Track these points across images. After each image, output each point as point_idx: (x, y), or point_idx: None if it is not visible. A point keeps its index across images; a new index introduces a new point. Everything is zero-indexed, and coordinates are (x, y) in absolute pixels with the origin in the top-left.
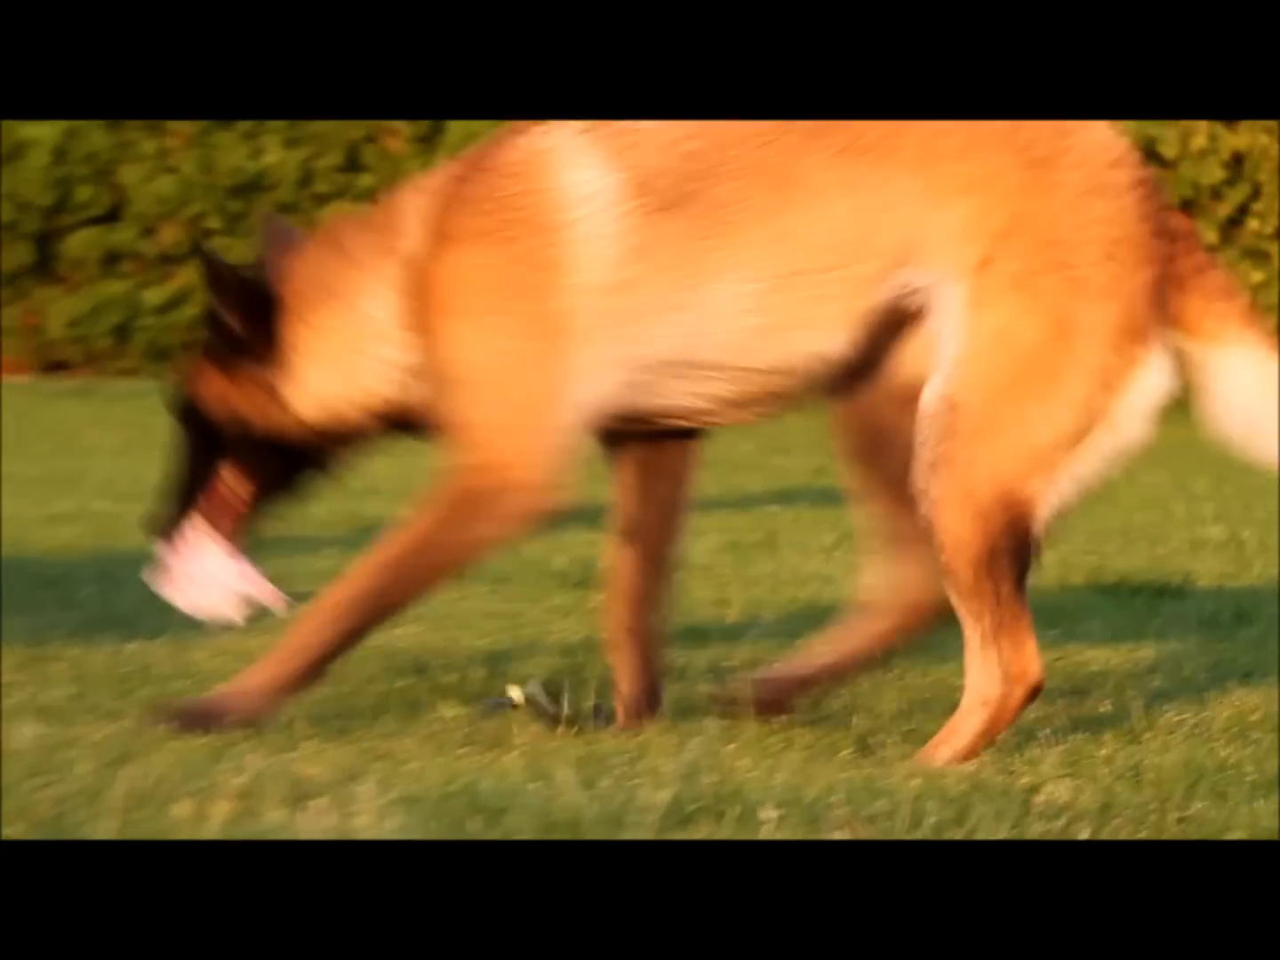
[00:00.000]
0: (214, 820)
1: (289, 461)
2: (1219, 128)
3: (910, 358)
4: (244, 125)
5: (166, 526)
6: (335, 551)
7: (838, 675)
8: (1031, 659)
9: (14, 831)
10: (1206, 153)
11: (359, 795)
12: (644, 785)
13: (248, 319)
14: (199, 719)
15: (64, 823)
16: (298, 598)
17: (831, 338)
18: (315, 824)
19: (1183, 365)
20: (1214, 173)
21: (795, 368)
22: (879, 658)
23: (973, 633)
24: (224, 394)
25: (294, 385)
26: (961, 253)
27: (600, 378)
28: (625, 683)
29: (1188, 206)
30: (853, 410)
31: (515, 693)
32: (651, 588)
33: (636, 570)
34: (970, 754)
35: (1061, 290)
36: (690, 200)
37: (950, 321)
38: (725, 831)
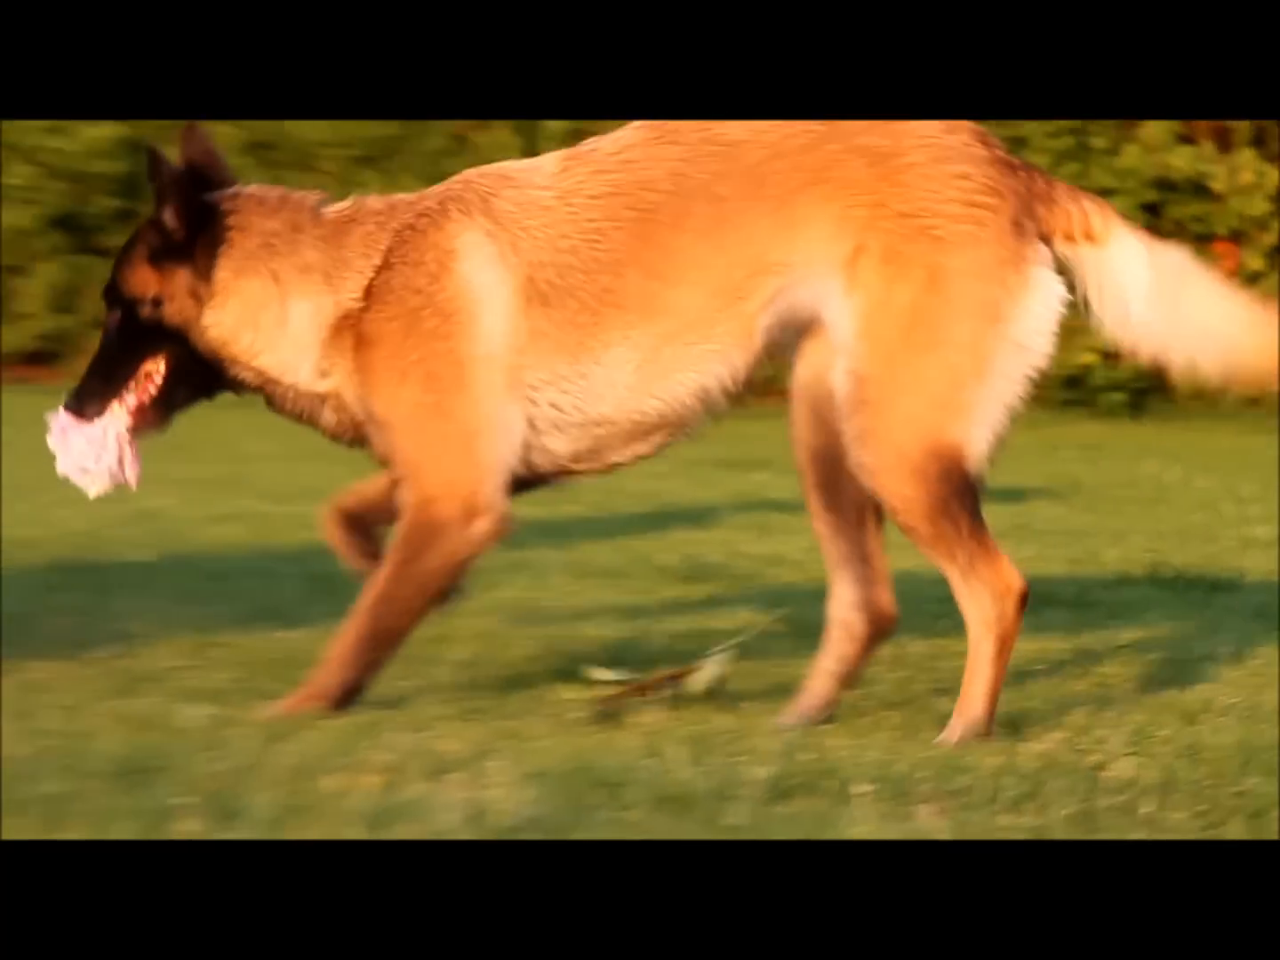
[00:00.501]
0: (363, 792)
1: (198, 364)
2: (1265, 164)
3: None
4: (388, 167)
5: (79, 397)
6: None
7: (834, 700)
8: (1010, 572)
9: (186, 802)
10: (1253, 187)
11: (492, 770)
12: (748, 762)
13: (191, 231)
14: None
15: (229, 794)
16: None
17: (720, 371)
18: (453, 796)
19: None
20: (1259, 205)
21: (686, 403)
22: (857, 676)
23: (951, 573)
24: (152, 289)
25: (210, 313)
26: (833, 252)
27: (515, 429)
28: None
29: (1236, 237)
30: (812, 441)
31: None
32: None
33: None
34: (997, 680)
35: (929, 249)
36: (571, 290)
37: (838, 309)
38: (821, 805)
